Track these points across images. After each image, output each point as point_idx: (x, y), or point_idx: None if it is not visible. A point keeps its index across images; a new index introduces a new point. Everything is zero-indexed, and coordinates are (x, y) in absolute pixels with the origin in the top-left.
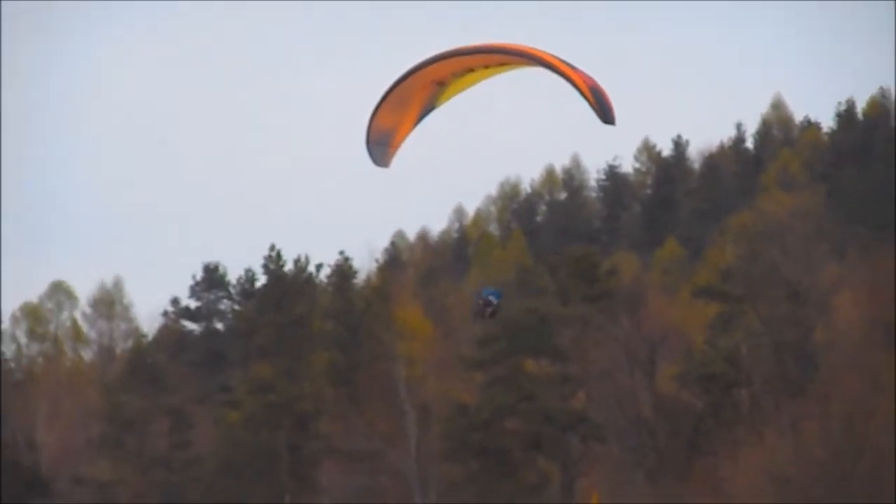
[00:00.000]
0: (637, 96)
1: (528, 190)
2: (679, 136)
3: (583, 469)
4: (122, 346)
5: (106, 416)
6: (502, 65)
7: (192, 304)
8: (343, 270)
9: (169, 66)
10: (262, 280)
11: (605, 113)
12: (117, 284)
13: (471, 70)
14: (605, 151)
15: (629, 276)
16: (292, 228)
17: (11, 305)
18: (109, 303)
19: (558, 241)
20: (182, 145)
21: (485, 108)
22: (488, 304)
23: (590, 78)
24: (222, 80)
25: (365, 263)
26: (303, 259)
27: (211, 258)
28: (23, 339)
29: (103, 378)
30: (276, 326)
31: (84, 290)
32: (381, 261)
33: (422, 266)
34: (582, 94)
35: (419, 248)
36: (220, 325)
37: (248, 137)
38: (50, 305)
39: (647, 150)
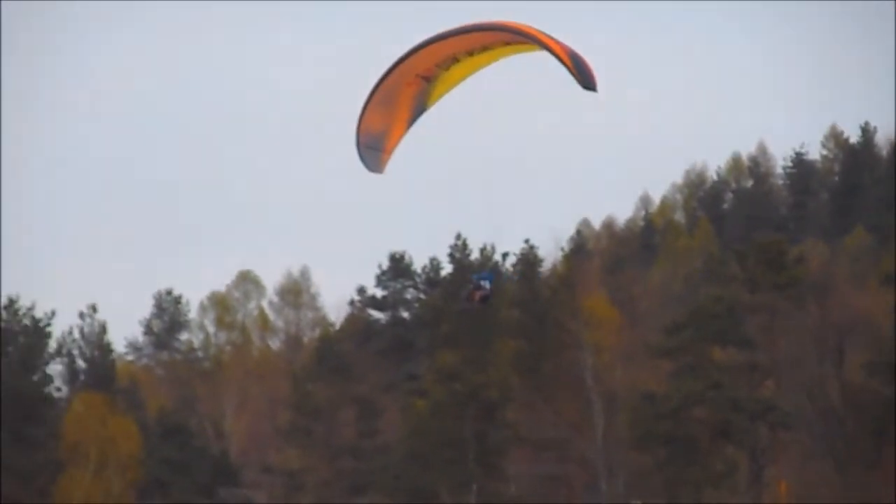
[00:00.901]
0: (825, 83)
1: (715, 178)
2: (867, 123)
3: (771, 458)
4: (310, 335)
5: (293, 404)
6: (485, 49)
7: (379, 292)
8: (528, 259)
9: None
10: (447, 269)
11: (584, 78)
12: (304, 274)
13: (455, 60)
14: (792, 139)
15: (817, 264)
16: (478, 217)
17: (200, 295)
18: (297, 292)
19: (745, 229)
20: None
21: (669, 96)
22: (478, 287)
23: (568, 46)
24: None
25: (550, 252)
26: (488, 248)
27: (397, 247)
28: (211, 329)
29: (291, 367)
30: (462, 315)
31: (271, 279)
32: (566, 249)
33: (607, 254)
34: (561, 60)
35: (605, 236)
36: (406, 314)
37: (434, 124)
38: (238, 295)
39: (835, 137)
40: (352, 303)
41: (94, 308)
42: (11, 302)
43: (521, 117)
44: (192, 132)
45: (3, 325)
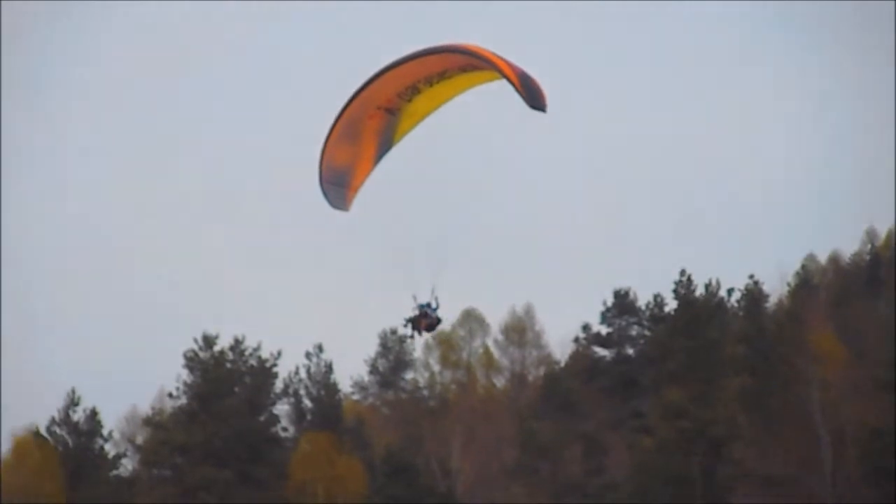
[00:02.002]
0: None
1: None
2: None
3: None
4: (535, 373)
5: (519, 442)
6: (443, 77)
7: (604, 330)
8: (753, 294)
9: None
10: (671, 305)
11: (533, 99)
12: (528, 311)
13: (416, 90)
14: None
15: None
16: (701, 253)
17: (425, 334)
18: (521, 330)
19: None
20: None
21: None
22: (426, 315)
23: (518, 66)
24: None
25: (776, 287)
26: (713, 283)
27: (621, 284)
28: (436, 367)
29: (516, 405)
30: (688, 351)
31: (496, 317)
32: (792, 284)
33: (833, 288)
34: (509, 80)
35: (830, 270)
36: (631, 351)
37: (663, 165)
38: (462, 333)
39: None
40: (576, 340)
41: (320, 348)
42: (238, 342)
43: (743, 154)
44: (430, 172)
45: (230, 365)
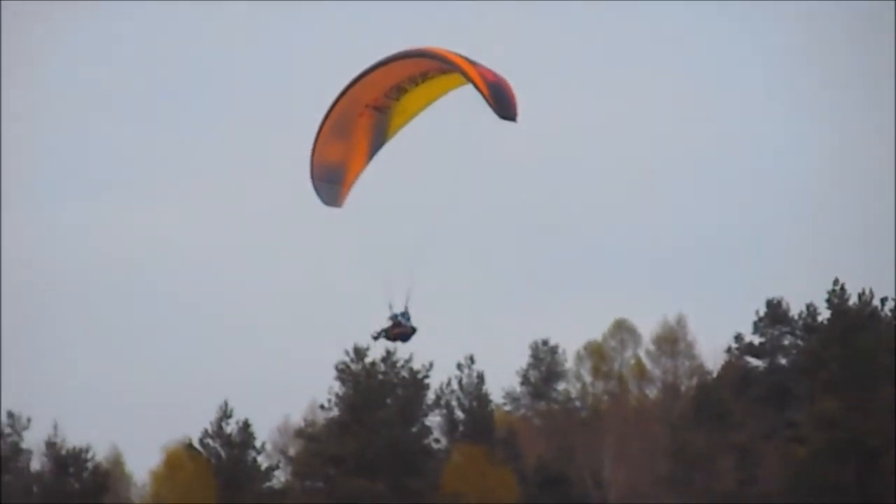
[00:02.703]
0: None
1: None
2: None
3: None
4: (687, 383)
5: (672, 453)
6: (425, 77)
7: (756, 340)
8: None
9: None
10: (825, 314)
11: (501, 108)
12: (680, 321)
13: (402, 90)
14: None
15: None
16: (855, 262)
17: (576, 344)
18: (673, 340)
19: None
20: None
21: None
22: (398, 325)
23: (490, 72)
24: None
25: None
26: (867, 293)
27: (774, 293)
28: (587, 378)
29: (669, 416)
30: (842, 361)
31: (647, 327)
32: None
33: None
34: (476, 87)
35: None
36: (783, 361)
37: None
38: (614, 344)
39: None
40: (729, 350)
41: (471, 359)
42: (389, 354)
43: None
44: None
45: (381, 377)
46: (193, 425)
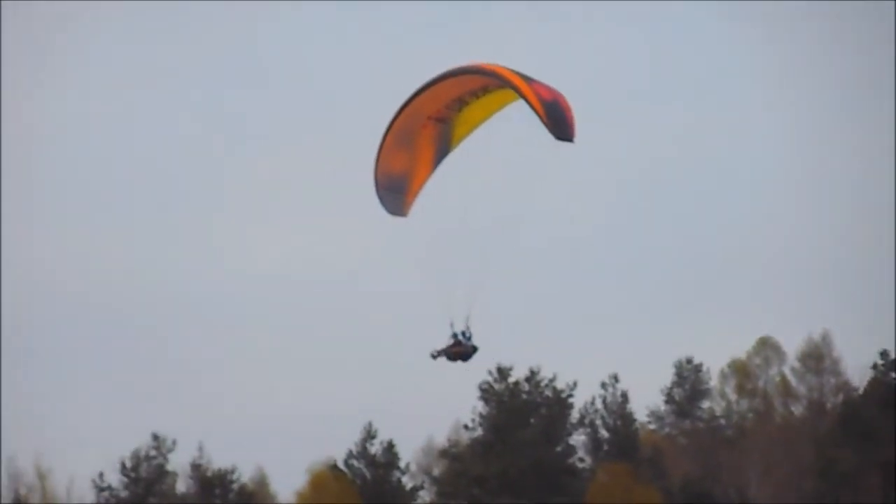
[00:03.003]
0: None
1: None
2: None
3: None
4: (833, 400)
5: (818, 471)
6: (486, 91)
7: None
8: None
9: None
10: None
11: (558, 129)
12: (825, 338)
13: (464, 102)
14: None
15: None
16: None
17: (720, 362)
18: (818, 357)
19: None
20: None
21: None
22: (459, 344)
23: (548, 90)
24: None
25: None
26: None
27: None
28: (732, 396)
29: (815, 433)
30: None
31: (792, 344)
32: None
33: None
34: (532, 107)
35: None
36: None
37: None
38: (758, 361)
39: None
40: (875, 367)
41: (615, 378)
42: (533, 374)
43: None
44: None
45: (525, 396)
46: (338, 446)
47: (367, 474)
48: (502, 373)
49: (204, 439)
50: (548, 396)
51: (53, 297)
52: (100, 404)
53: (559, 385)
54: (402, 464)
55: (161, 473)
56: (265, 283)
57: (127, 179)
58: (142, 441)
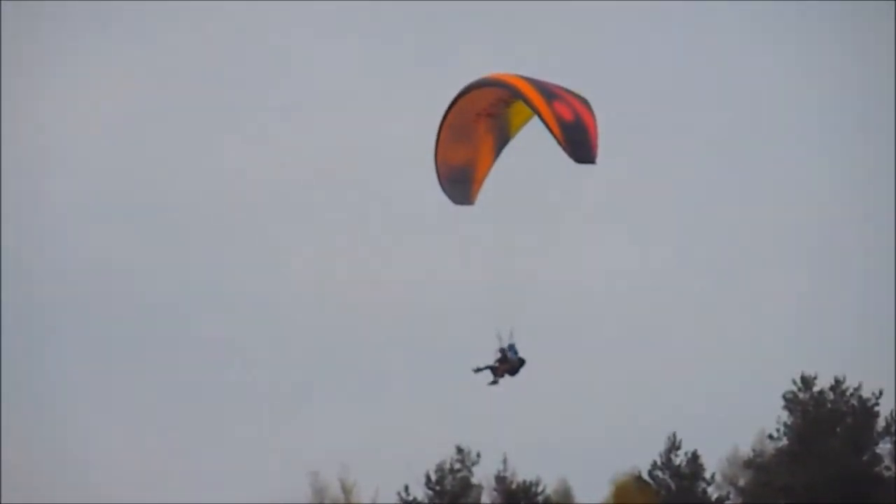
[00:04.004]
0: None
1: None
2: None
3: None
4: None
5: None
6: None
7: None
8: None
9: None
10: None
11: (578, 152)
12: None
13: (509, 102)
14: None
15: None
16: None
17: None
18: None
19: None
20: None
21: None
22: (505, 360)
23: (569, 109)
24: None
25: None
26: None
27: None
28: None
29: None
30: None
31: None
32: None
33: None
34: (549, 129)
35: None
36: None
37: None
38: None
39: None
40: None
41: None
42: (838, 383)
43: None
44: None
45: (830, 405)
46: (642, 457)
47: (672, 485)
48: (806, 382)
49: (508, 451)
50: (853, 405)
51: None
52: (404, 417)
53: (864, 394)
54: (706, 474)
55: (465, 486)
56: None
57: None
58: (446, 454)
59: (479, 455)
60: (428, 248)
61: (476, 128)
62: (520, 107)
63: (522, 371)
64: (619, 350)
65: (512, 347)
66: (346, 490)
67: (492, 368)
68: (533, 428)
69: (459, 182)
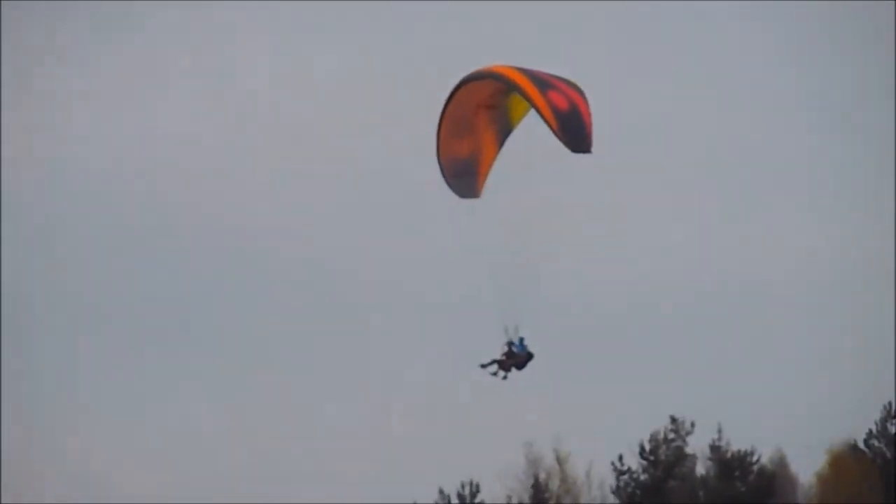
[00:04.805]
0: None
1: None
2: None
3: None
4: None
5: None
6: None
7: None
8: None
9: None
10: None
11: (574, 142)
12: None
13: (507, 93)
14: None
15: None
16: None
17: None
18: None
19: None
20: None
21: None
22: (512, 354)
23: (564, 98)
24: None
25: None
26: None
27: None
28: None
29: None
30: None
31: None
32: None
33: None
34: (545, 119)
35: None
36: None
37: None
38: None
39: None
40: None
41: None
42: None
43: None
44: None
45: None
46: (858, 426)
47: (888, 454)
48: None
49: (722, 421)
50: None
51: None
52: (619, 387)
53: None
54: None
55: (680, 456)
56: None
57: None
58: (660, 424)
59: (693, 425)
60: None
61: (477, 120)
62: (520, 97)
63: (729, 342)
64: (836, 319)
65: (521, 342)
66: (560, 460)
67: (498, 362)
68: (748, 397)
69: (464, 175)
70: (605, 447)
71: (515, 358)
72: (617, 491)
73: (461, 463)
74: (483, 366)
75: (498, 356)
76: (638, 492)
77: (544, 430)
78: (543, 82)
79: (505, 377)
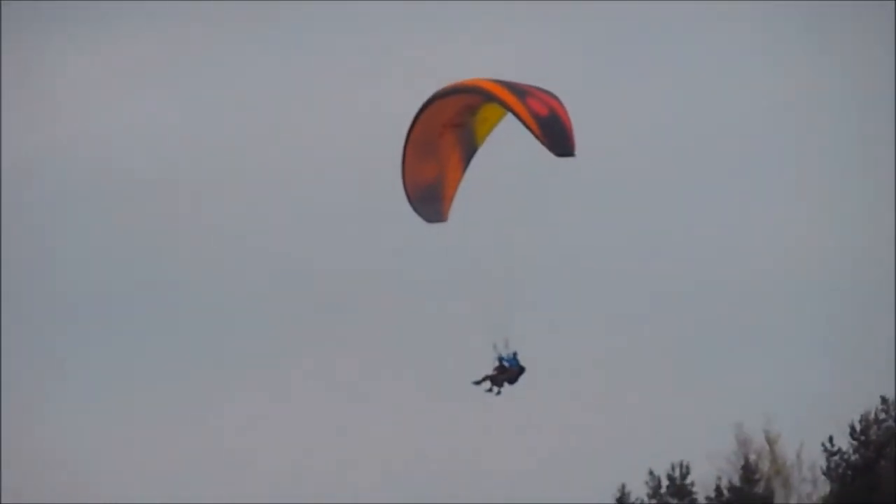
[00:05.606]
0: None
1: None
2: None
3: None
4: None
5: None
6: (491, 99)
7: None
8: None
9: None
10: None
11: (557, 146)
12: None
13: (475, 109)
14: None
15: None
16: None
17: None
18: None
19: None
20: None
21: None
22: (501, 370)
23: (542, 104)
24: None
25: None
26: None
27: None
28: None
29: None
30: None
31: None
32: None
33: None
34: (527, 126)
35: None
36: None
37: None
38: None
39: None
40: None
41: None
42: None
43: None
44: None
45: None
46: None
47: None
48: None
49: None
50: None
51: None
52: (828, 368)
53: None
54: None
55: (891, 436)
56: None
57: None
58: (871, 404)
59: None
60: None
61: (442, 141)
62: (485, 114)
63: None
64: None
65: (514, 356)
66: (770, 441)
67: (490, 378)
68: None
69: (430, 200)
70: (815, 428)
71: (507, 373)
72: (828, 472)
73: (672, 445)
74: (476, 383)
75: (490, 371)
76: (849, 473)
77: (755, 411)
78: (521, 90)
79: (498, 392)
